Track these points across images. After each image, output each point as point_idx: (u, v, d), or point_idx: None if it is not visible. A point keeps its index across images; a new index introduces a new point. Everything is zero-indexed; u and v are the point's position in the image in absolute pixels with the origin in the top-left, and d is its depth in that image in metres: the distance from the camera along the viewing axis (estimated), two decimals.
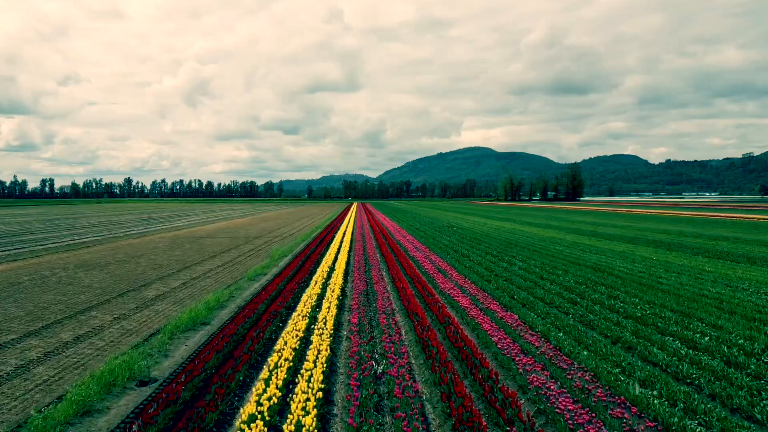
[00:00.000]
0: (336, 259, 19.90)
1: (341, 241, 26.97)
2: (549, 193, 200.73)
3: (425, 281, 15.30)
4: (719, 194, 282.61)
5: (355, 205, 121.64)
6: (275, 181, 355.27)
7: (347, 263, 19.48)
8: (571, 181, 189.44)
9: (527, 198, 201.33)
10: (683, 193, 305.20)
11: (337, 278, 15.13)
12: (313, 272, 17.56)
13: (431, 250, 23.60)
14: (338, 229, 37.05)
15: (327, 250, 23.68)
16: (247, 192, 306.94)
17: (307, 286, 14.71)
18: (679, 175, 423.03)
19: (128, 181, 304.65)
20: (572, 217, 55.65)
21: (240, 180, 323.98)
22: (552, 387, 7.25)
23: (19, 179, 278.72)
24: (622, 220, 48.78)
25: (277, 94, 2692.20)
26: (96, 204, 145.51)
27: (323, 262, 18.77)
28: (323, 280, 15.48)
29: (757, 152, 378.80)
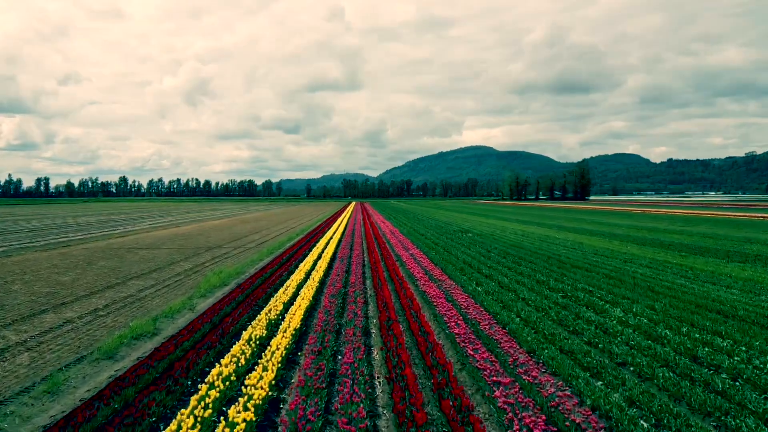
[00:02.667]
0: (292, 301, 12.27)
1: (318, 258, 19.37)
2: (555, 192, 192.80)
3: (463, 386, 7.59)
4: (722, 193, 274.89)
5: (353, 204, 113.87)
6: (276, 180, 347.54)
7: (310, 309, 11.78)
8: (579, 180, 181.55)
9: (533, 197, 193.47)
10: (686, 192, 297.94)
11: (273, 360, 7.46)
12: (238, 335, 9.83)
13: (452, 277, 15.87)
14: (323, 234, 29.44)
15: (288, 278, 16.04)
16: (245, 191, 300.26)
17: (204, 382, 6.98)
18: (681, 174, 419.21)
19: (123, 179, 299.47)
20: (599, 219, 47.89)
21: (241, 180, 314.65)
22: None
23: (21, 178, 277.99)
24: (657, 222, 41.05)
25: (278, 94, 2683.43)
26: (82, 204, 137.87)
27: (270, 306, 11.09)
28: (248, 357, 7.81)
29: (759, 151, 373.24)
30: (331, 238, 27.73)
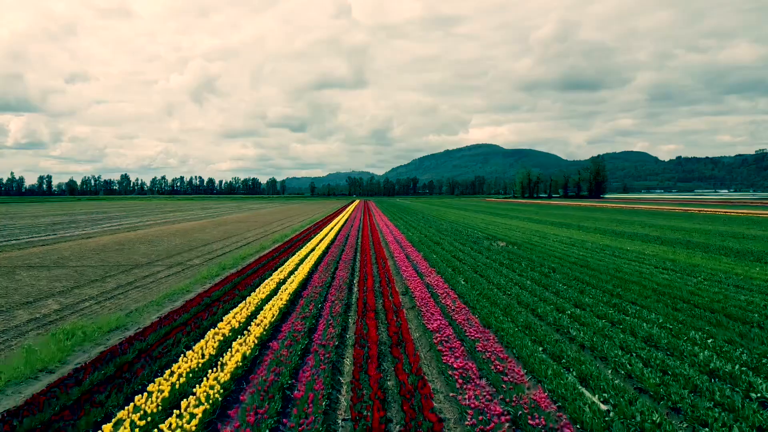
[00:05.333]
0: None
1: (274, 290, 11.71)
2: (569, 190, 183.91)
3: None
4: (733, 191, 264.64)
5: (356, 203, 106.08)
6: (282, 178, 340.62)
7: None
8: (594, 177, 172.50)
9: (545, 195, 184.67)
10: (696, 191, 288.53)
11: None
12: None
13: (518, 353, 8.04)
14: (305, 244, 21.75)
15: (195, 342, 8.24)
16: (249, 189, 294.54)
17: None
18: (690, 172, 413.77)
19: (125, 177, 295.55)
20: (646, 220, 39.78)
21: (245, 178, 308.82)
22: None
23: (24, 176, 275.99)
24: (730, 225, 32.92)
25: (285, 92, 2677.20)
26: (71, 202, 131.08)
27: None
28: None
29: None
30: (312, 249, 19.98)
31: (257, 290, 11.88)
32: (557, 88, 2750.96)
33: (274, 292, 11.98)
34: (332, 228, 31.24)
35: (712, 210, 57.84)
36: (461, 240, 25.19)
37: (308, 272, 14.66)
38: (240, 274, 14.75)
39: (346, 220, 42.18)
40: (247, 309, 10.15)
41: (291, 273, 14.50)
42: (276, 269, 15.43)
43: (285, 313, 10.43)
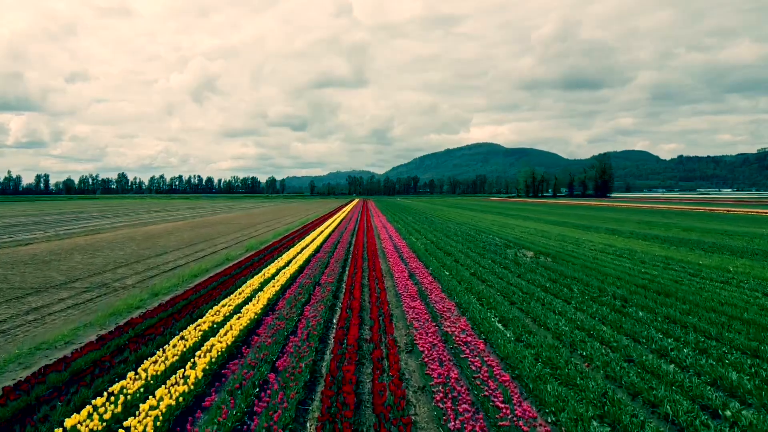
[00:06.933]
0: None
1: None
2: (574, 189, 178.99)
3: None
4: (736, 190, 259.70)
5: (354, 202, 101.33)
6: (282, 177, 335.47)
7: None
8: (600, 175, 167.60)
9: (550, 194, 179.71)
10: (698, 190, 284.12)
11: None
12: None
13: None
14: (289, 248, 17.01)
15: None
16: (248, 188, 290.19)
17: None
18: (692, 171, 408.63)
19: (123, 176, 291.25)
20: (683, 222, 34.99)
21: (244, 177, 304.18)
22: None
23: (21, 175, 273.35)
24: (749, 225, 28.13)
25: (285, 91, 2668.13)
26: (65, 201, 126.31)
27: None
28: None
29: None
30: (288, 263, 15.23)
31: (160, 353, 7.10)
32: (557, 87, 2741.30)
33: (182, 361, 7.14)
34: (322, 232, 26.48)
35: (742, 210, 52.91)
36: (476, 248, 20.40)
37: (263, 309, 9.82)
38: (165, 308, 9.94)
39: (341, 221, 37.39)
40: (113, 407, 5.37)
41: (237, 309, 9.71)
42: (222, 298, 10.67)
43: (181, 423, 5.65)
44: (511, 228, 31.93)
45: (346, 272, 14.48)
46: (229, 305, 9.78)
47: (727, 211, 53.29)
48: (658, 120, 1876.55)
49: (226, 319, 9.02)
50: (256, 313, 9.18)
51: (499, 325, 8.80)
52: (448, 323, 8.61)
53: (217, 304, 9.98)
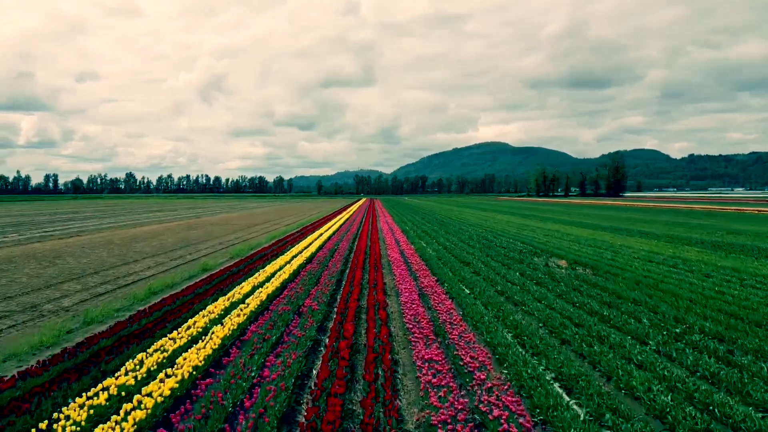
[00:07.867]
0: None
1: None
2: (586, 188, 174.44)
3: None
4: (748, 189, 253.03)
5: (361, 201, 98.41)
6: (290, 177, 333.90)
7: None
8: (613, 174, 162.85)
9: (562, 193, 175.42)
10: (710, 189, 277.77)
11: None
12: None
13: None
14: (281, 254, 14.14)
15: None
16: (256, 188, 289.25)
17: None
18: (703, 170, 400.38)
19: (131, 176, 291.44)
20: (719, 224, 31.61)
21: (251, 176, 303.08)
22: None
23: (30, 175, 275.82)
24: None
25: (292, 90, 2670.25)
26: (69, 201, 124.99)
27: None
28: None
29: None
30: (273, 274, 12.33)
31: None
32: (565, 85, 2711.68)
33: None
34: (321, 234, 23.59)
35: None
36: (498, 255, 17.34)
37: (205, 361, 6.78)
38: (70, 355, 7.00)
39: (344, 222, 34.50)
40: None
41: (161, 367, 6.62)
42: (157, 338, 7.72)
43: None
44: (531, 230, 28.77)
45: (340, 292, 11.51)
46: (164, 351, 6.82)
47: (759, 211, 49.59)
48: (668, 118, 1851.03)
49: (139, 383, 5.87)
50: (189, 372, 6.08)
51: (562, 392, 5.75)
52: (483, 390, 5.59)
53: (145, 350, 6.99)
